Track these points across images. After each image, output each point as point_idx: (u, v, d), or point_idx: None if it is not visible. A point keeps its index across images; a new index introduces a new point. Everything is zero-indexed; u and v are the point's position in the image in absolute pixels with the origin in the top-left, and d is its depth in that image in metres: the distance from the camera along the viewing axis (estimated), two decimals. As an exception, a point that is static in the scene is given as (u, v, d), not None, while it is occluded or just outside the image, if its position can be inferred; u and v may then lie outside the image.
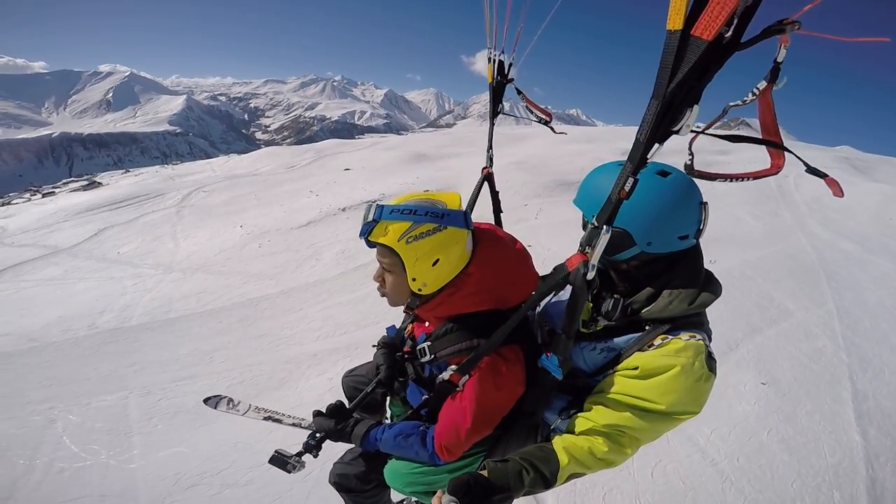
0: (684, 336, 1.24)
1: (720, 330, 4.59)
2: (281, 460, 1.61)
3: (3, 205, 22.35)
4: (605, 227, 1.03)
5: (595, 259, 1.08)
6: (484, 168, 2.14)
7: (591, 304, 1.40)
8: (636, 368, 1.23)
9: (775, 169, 0.99)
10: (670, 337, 1.25)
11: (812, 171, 0.94)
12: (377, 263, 1.44)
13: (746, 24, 0.70)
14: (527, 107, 2.10)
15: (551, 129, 2.20)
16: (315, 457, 1.63)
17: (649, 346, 1.26)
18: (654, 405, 1.19)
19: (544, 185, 12.06)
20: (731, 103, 0.97)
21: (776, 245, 7.20)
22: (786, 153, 0.97)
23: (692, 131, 0.87)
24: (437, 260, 1.33)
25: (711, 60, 0.74)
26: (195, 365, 4.38)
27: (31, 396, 4.08)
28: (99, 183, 25.04)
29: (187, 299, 5.91)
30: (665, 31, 0.75)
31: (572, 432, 1.29)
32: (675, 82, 0.76)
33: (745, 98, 0.94)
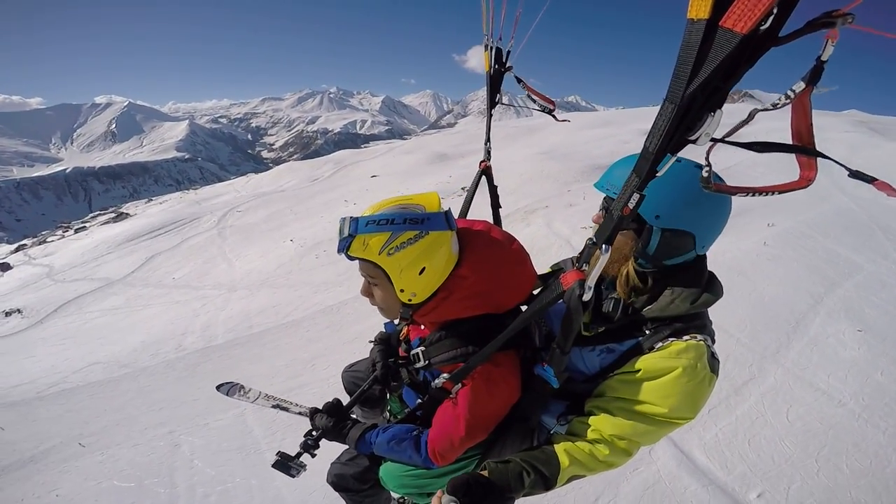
0: (686, 337, 1.21)
1: (803, 285, 4.64)
2: (284, 465, 1.62)
3: (39, 244, 22.95)
4: (604, 246, 0.94)
5: (592, 280, 1.01)
6: (482, 162, 2.04)
7: (592, 306, 1.34)
8: (637, 371, 1.21)
9: (805, 182, 0.87)
10: (672, 339, 1.22)
11: (857, 175, 0.80)
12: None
13: (788, 15, 0.58)
14: (528, 95, 1.99)
15: (554, 117, 2.06)
16: (313, 456, 1.63)
17: (650, 350, 1.23)
18: (655, 408, 1.18)
19: (580, 170, 12.02)
20: (759, 107, 0.83)
21: (822, 206, 7.08)
22: (829, 163, 0.85)
23: (711, 140, 0.75)
24: (424, 268, 1.27)
25: (742, 57, 0.61)
26: (299, 375, 4.37)
27: (145, 421, 4.11)
28: (126, 214, 25.53)
29: (265, 313, 5.94)
30: (686, 21, 0.62)
31: (573, 435, 1.28)
32: (695, 83, 0.64)
33: (777, 101, 0.80)
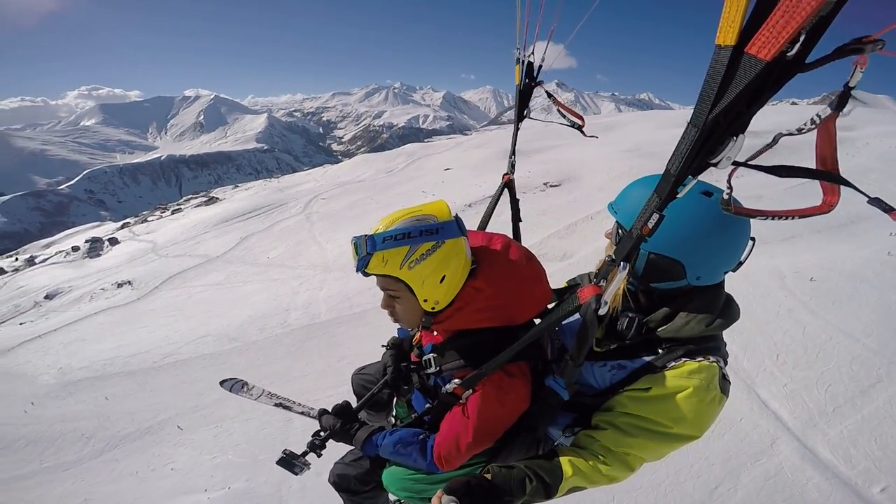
0: (698, 359, 1.21)
1: None
2: (289, 462, 1.63)
3: (142, 222, 25.33)
4: (622, 263, 0.95)
5: (608, 295, 1.00)
6: (505, 175, 2.04)
7: (606, 322, 1.36)
8: (648, 389, 1.21)
9: (827, 207, 0.87)
10: (685, 360, 1.21)
11: (875, 202, 0.78)
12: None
13: (815, 42, 0.56)
14: (558, 110, 1.98)
15: (582, 132, 1.98)
16: (319, 456, 1.64)
17: (662, 368, 1.22)
18: (662, 426, 1.18)
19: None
20: (784, 132, 0.84)
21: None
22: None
23: (734, 163, 0.74)
24: (444, 276, 1.30)
25: (766, 83, 0.60)
26: (405, 357, 4.27)
27: (257, 395, 4.17)
28: (216, 198, 27.51)
29: (363, 294, 5.94)
30: (714, 47, 0.63)
31: (579, 447, 1.29)
32: (718, 108, 0.64)
33: (802, 126, 0.79)
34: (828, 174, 0.81)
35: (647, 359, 1.26)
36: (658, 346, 1.26)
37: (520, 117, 2.02)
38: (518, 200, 2.06)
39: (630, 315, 1.29)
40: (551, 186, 11.65)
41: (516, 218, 2.06)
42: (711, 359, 1.21)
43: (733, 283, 1.26)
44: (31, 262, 20.45)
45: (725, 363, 1.27)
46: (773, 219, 0.90)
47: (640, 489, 2.74)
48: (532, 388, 1.37)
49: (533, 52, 1.87)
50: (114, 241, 19.74)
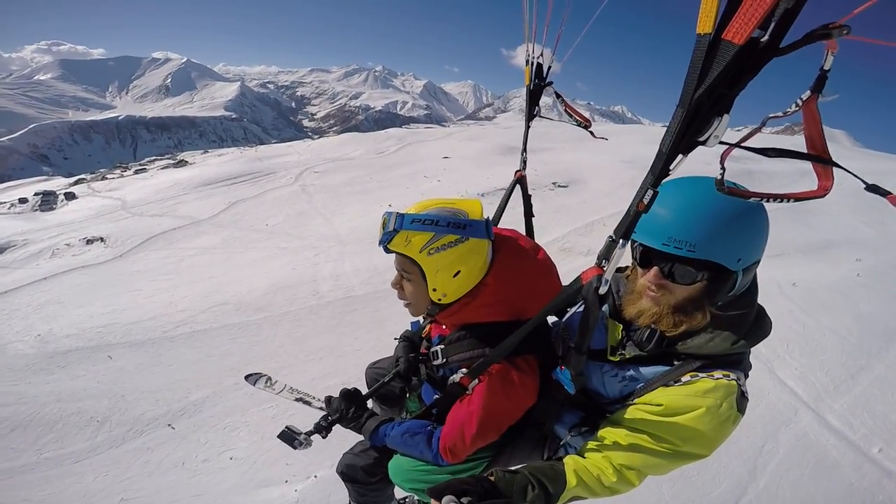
0: (717, 375, 1.15)
1: (893, 308, 4.90)
2: (289, 436, 1.62)
3: (100, 179, 23.38)
4: (621, 240, 0.97)
5: (609, 273, 1.02)
6: (517, 171, 2.08)
7: (623, 332, 1.32)
8: (659, 405, 1.17)
9: (822, 191, 0.86)
10: (701, 375, 1.16)
11: (872, 189, 0.81)
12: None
13: (787, 28, 0.62)
14: (566, 110, 2.02)
15: (591, 133, 2.06)
16: (324, 438, 1.63)
17: (675, 382, 1.18)
18: (670, 445, 1.15)
19: (674, 183, 11.39)
20: (771, 114, 0.89)
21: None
22: (841, 172, 0.86)
23: (723, 143, 0.80)
24: (459, 272, 1.32)
25: (745, 67, 0.66)
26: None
27: (310, 371, 3.72)
28: (186, 161, 25.84)
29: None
30: (695, 36, 0.69)
31: (584, 457, 1.27)
32: (702, 89, 0.70)
33: (788, 109, 0.86)
34: (817, 157, 0.84)
35: (660, 371, 1.22)
36: (674, 359, 1.22)
37: (530, 116, 2.03)
38: (530, 196, 2.08)
39: (652, 327, 1.24)
40: (559, 186, 11.52)
41: (529, 213, 2.09)
42: (731, 376, 1.15)
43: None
44: (-37, 211, 18.40)
45: (746, 376, 1.21)
46: (768, 200, 0.89)
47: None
48: (540, 385, 1.37)
49: (542, 55, 1.88)
50: (70, 196, 18.05)
